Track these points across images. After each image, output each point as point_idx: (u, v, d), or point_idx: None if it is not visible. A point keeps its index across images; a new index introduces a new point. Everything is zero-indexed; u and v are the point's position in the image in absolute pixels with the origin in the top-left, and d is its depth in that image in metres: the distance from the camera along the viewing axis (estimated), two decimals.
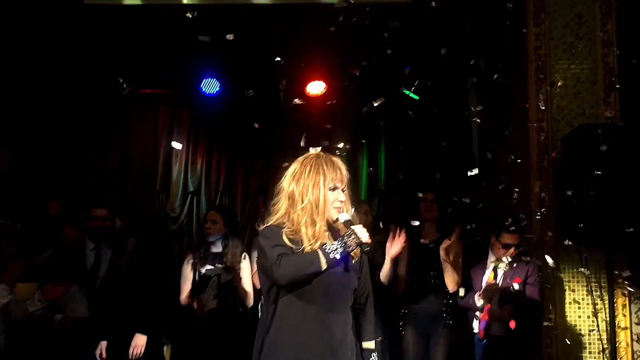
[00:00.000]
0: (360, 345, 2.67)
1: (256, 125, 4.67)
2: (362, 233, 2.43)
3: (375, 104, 4.05)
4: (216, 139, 6.66)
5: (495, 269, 4.29)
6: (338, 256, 2.40)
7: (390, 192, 6.44)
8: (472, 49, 5.20)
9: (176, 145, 5.60)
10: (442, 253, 4.31)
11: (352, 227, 2.46)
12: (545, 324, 4.28)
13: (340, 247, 2.41)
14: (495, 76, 4.55)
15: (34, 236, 4.64)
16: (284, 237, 2.49)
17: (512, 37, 4.88)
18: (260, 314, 2.67)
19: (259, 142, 6.39)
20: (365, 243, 2.43)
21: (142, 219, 6.21)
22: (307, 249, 2.46)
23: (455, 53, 5.00)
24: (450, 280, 4.34)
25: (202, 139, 6.71)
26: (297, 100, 4.26)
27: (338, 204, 2.53)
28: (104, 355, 4.19)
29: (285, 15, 5.12)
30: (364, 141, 6.49)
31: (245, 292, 4.43)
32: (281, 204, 2.57)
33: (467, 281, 4.42)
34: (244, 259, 4.51)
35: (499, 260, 4.28)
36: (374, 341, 2.71)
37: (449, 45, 4.94)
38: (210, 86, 6.28)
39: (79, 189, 5.87)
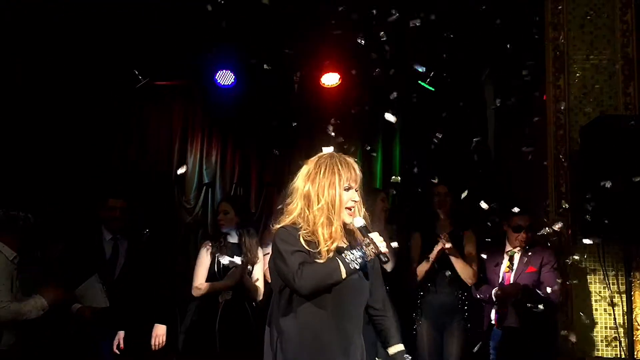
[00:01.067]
0: (386, 350, 2.70)
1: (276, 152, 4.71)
2: (380, 242, 2.45)
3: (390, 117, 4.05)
4: (231, 131, 6.67)
5: (511, 258, 4.26)
6: (357, 266, 2.43)
7: (405, 185, 6.42)
8: (488, 40, 5.17)
9: (181, 170, 5.57)
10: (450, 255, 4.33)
11: (370, 235, 2.48)
12: (561, 316, 4.26)
13: (360, 257, 2.43)
14: (512, 68, 4.53)
15: (47, 228, 4.65)
16: (301, 239, 2.49)
17: (529, 28, 4.83)
18: (270, 309, 2.64)
19: (274, 133, 6.37)
20: (383, 253, 2.45)
21: (158, 210, 6.23)
22: (324, 250, 2.48)
23: (470, 45, 4.98)
24: (465, 273, 4.33)
25: (216, 131, 6.72)
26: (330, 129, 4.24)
27: (352, 204, 2.55)
28: (122, 345, 4.23)
29: (301, 6, 5.10)
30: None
31: (256, 288, 4.44)
32: (296, 204, 2.57)
33: (484, 273, 4.40)
34: (262, 252, 4.52)
35: (514, 249, 4.26)
36: (401, 343, 2.71)
37: (464, 37, 4.92)
38: (225, 78, 6.28)
39: (94, 181, 5.89)
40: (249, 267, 4.36)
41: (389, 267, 4.19)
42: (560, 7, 4.56)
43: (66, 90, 5.96)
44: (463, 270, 4.35)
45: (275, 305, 2.57)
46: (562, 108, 4.43)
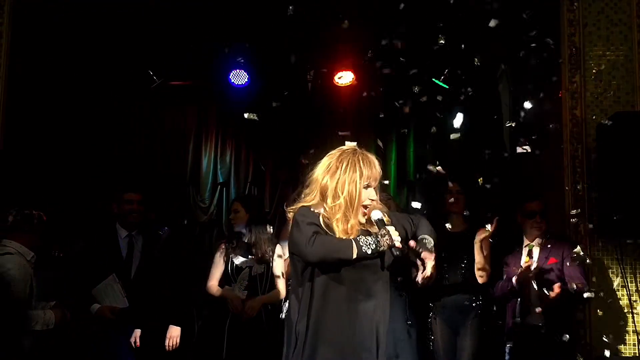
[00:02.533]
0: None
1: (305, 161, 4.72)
2: (396, 236, 2.44)
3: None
4: (245, 130, 6.69)
5: (529, 252, 4.21)
6: (369, 252, 2.42)
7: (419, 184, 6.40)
8: (503, 35, 5.12)
9: None
10: (477, 245, 4.26)
11: (387, 227, 2.47)
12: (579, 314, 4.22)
13: (373, 244, 2.42)
14: (527, 64, 4.49)
15: (64, 226, 4.67)
16: (321, 220, 2.50)
17: (545, 24, 4.78)
18: (289, 301, 2.65)
19: (288, 132, 6.38)
20: (396, 247, 2.44)
21: (173, 210, 6.27)
22: None
23: (485, 41, 4.93)
24: (482, 271, 4.30)
25: (230, 130, 6.74)
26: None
27: (368, 202, 2.54)
28: (137, 343, 4.25)
29: (315, 4, 5.09)
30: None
31: (278, 292, 4.46)
32: (314, 195, 2.57)
33: (499, 271, 4.35)
34: (276, 250, 4.53)
35: (532, 243, 4.22)
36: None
37: (479, 34, 4.87)
38: (239, 77, 6.30)
39: (108, 179, 5.92)
40: (262, 267, 4.37)
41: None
42: (575, 4, 4.52)
43: (81, 90, 6.01)
44: (482, 266, 4.31)
45: (297, 288, 2.56)
46: (577, 105, 4.39)
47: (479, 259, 4.26)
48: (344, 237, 2.48)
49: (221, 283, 4.46)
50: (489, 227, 4.17)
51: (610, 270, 4.29)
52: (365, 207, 2.54)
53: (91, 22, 5.27)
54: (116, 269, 4.38)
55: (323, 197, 2.54)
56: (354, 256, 2.39)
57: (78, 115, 6.02)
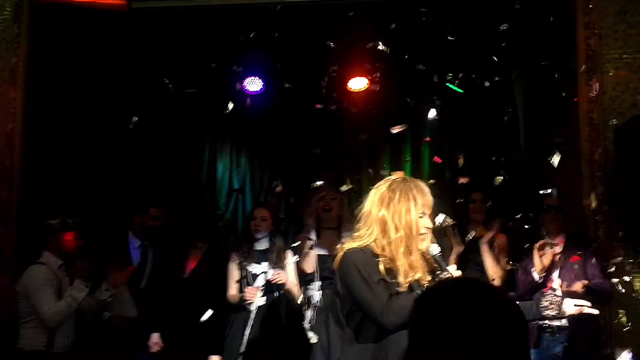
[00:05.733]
0: None
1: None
2: (458, 275, 2.40)
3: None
4: (260, 136, 6.70)
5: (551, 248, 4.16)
6: None
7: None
8: (519, 38, 5.10)
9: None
10: (484, 247, 4.27)
11: (447, 268, 2.41)
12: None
13: None
14: (543, 68, 4.46)
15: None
16: (381, 267, 2.36)
17: (561, 26, 4.76)
18: (329, 335, 2.51)
19: (303, 139, 6.39)
20: None
21: (188, 217, 6.27)
22: (403, 282, 2.35)
23: (500, 44, 4.91)
24: (492, 273, 4.28)
25: (245, 137, 6.75)
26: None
27: (424, 231, 2.44)
28: (156, 347, 4.29)
29: (328, 10, 5.11)
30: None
31: (291, 293, 4.46)
32: (371, 230, 2.43)
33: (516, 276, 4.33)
34: (291, 257, 4.54)
35: (552, 240, 4.18)
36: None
37: (494, 37, 4.86)
38: (254, 84, 6.31)
39: (124, 188, 5.94)
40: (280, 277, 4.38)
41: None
42: (591, 6, 4.49)
43: (95, 97, 6.03)
44: (492, 268, 4.29)
45: (334, 328, 2.45)
46: (594, 108, 4.36)
47: (488, 262, 4.27)
48: (411, 274, 2.36)
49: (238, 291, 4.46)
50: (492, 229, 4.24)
51: (630, 271, 4.23)
52: (421, 235, 2.42)
53: (108, 32, 5.31)
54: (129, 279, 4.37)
55: (383, 231, 2.40)
56: None
57: (92, 122, 6.04)
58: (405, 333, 2.31)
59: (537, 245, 4.11)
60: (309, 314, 4.46)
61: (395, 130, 2.79)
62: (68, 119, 5.40)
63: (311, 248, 4.48)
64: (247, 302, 4.30)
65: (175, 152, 6.51)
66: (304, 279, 4.51)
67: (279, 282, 4.29)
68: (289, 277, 4.44)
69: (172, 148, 6.55)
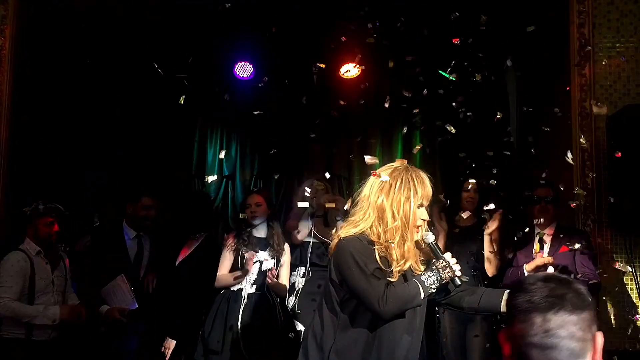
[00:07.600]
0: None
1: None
2: (455, 265, 2.38)
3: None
4: (250, 122, 6.63)
5: (540, 240, 4.17)
6: (434, 290, 2.35)
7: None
8: (510, 28, 5.07)
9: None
10: (487, 238, 4.25)
11: (444, 256, 2.40)
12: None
13: (437, 280, 2.34)
14: (535, 56, 4.44)
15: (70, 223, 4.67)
16: (376, 255, 2.37)
17: (554, 15, 4.74)
18: (322, 322, 2.48)
19: (293, 125, 6.34)
20: (459, 277, 2.37)
21: (178, 204, 6.22)
22: (396, 270, 2.36)
23: (491, 34, 4.87)
24: (491, 265, 4.28)
25: (236, 123, 6.69)
26: None
27: (420, 222, 2.43)
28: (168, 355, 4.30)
29: None
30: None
31: (283, 286, 4.45)
32: (367, 216, 2.42)
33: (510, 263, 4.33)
34: (286, 247, 4.53)
35: (542, 231, 4.19)
36: None
37: (485, 26, 4.82)
38: (244, 69, 6.25)
39: (114, 175, 5.88)
40: (274, 266, 4.35)
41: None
42: None
43: (86, 86, 5.96)
44: (492, 260, 4.29)
45: (327, 315, 2.45)
46: (586, 98, 4.35)
47: (489, 251, 4.25)
48: (401, 262, 2.37)
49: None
50: (495, 220, 4.18)
51: (618, 262, 4.24)
52: (417, 226, 2.43)
53: (93, 19, 5.24)
54: (124, 270, 4.35)
55: (380, 218, 2.40)
56: (422, 298, 2.33)
57: (80, 110, 5.97)
58: (398, 321, 2.35)
59: (536, 247, 4.12)
60: (291, 300, 4.46)
61: (369, 162, 2.81)
62: (56, 104, 5.34)
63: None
64: (239, 277, 4.28)
65: (165, 138, 6.44)
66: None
67: (270, 283, 4.26)
68: (282, 279, 4.44)
69: (162, 134, 6.50)
